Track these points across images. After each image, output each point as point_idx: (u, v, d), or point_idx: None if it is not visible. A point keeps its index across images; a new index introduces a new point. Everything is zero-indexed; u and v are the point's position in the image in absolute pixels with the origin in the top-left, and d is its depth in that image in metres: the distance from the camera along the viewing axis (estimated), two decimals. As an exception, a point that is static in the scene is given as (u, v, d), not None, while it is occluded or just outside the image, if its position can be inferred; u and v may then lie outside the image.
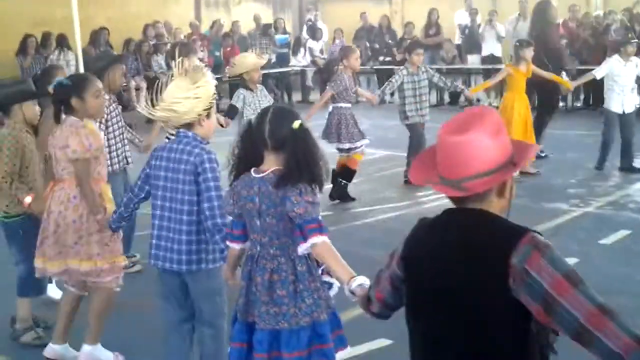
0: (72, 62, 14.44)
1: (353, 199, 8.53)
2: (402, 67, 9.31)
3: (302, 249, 3.10)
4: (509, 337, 2.00)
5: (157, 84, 3.81)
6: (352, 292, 2.75)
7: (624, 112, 9.31)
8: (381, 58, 17.49)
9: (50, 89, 4.46)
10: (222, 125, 6.60)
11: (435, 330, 2.12)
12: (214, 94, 3.79)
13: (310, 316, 3.17)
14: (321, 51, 18.38)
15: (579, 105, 14.97)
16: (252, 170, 3.19)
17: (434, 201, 8.14)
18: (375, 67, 17.41)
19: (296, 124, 3.13)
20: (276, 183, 3.09)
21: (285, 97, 17.37)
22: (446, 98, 16.14)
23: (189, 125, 3.74)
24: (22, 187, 4.69)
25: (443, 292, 2.07)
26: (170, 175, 3.72)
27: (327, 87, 8.66)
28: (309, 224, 3.05)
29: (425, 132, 9.10)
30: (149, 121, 5.04)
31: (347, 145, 8.20)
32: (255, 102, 7.34)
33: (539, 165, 9.60)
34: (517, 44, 9.31)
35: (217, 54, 16.35)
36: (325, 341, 3.20)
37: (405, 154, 9.26)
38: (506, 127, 7.85)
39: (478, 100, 16.12)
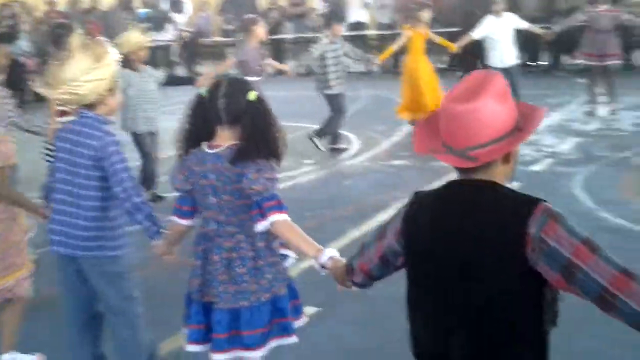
0: None
1: None
2: (320, 37, 9.23)
3: (261, 226, 3.01)
4: (523, 311, 1.95)
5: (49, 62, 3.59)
6: (323, 266, 2.71)
7: (505, 66, 9.83)
8: (247, 29, 17.28)
9: None
10: None
11: (443, 311, 2.04)
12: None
13: (271, 291, 3.12)
14: (186, 25, 17.98)
15: (442, 66, 15.45)
16: (205, 145, 3.07)
17: (323, 169, 8.07)
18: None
19: (252, 95, 3.03)
20: (233, 159, 2.98)
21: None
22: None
23: (91, 105, 3.57)
24: None
25: (452, 270, 2.00)
26: (70, 158, 3.56)
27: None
28: (267, 201, 2.96)
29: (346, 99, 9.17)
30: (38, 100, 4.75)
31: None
32: (141, 82, 7.10)
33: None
34: (414, 6, 9.62)
35: (79, 31, 15.64)
36: (285, 314, 3.17)
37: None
38: (416, 88, 8.02)
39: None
